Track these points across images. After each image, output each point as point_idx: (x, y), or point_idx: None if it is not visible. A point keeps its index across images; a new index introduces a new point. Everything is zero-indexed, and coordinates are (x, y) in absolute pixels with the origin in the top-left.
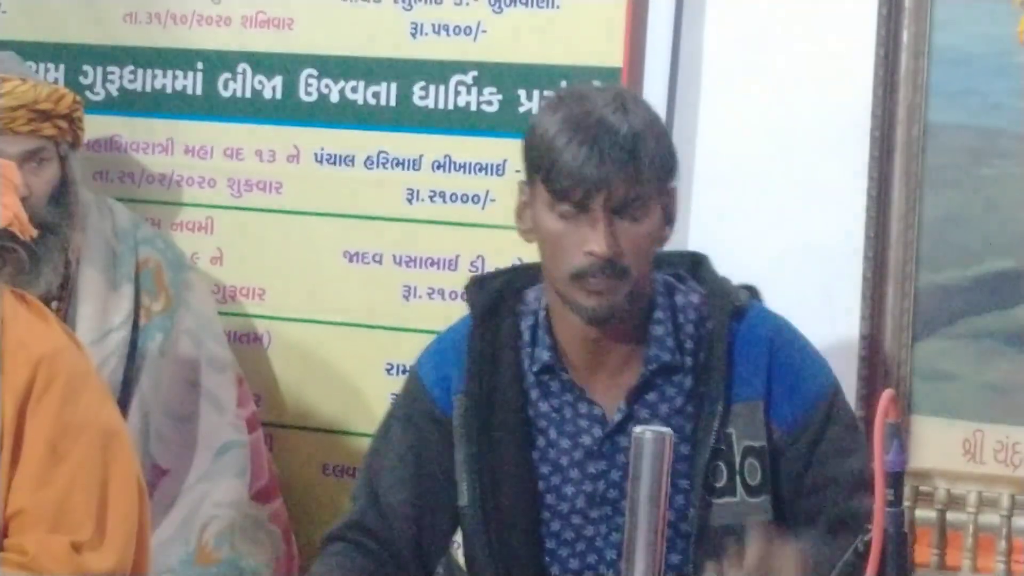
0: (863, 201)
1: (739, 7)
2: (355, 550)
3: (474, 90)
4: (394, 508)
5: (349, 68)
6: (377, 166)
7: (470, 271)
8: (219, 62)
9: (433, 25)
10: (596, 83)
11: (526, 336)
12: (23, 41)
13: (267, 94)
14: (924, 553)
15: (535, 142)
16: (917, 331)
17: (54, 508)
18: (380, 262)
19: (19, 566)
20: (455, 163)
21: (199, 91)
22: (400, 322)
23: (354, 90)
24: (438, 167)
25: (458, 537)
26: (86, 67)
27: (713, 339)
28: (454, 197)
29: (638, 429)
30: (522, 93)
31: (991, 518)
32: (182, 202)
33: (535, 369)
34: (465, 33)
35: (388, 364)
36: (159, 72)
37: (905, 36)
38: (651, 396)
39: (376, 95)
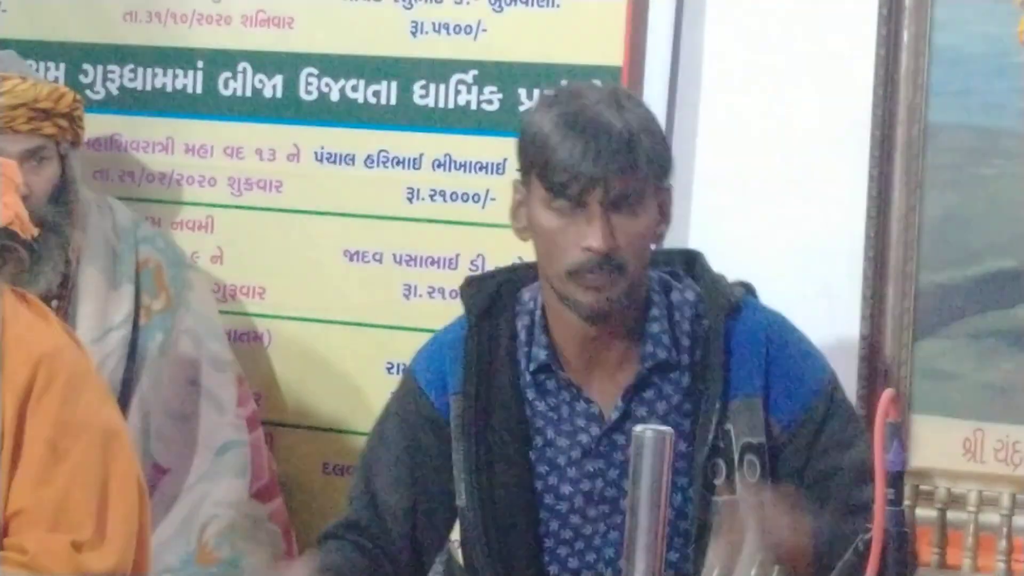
0: (863, 201)
1: (739, 6)
2: (352, 548)
3: (474, 89)
4: (391, 509)
5: (349, 67)
6: (377, 165)
7: (470, 270)
8: (219, 61)
9: (433, 24)
10: (597, 82)
11: (522, 336)
12: (23, 40)
13: (267, 93)
14: (925, 552)
15: (530, 139)
16: (917, 331)
17: (54, 507)
18: (380, 261)
19: (19, 565)
20: (455, 162)
21: (199, 90)
22: (400, 321)
23: (354, 89)
24: (438, 166)
25: (457, 535)
26: (86, 66)
27: (709, 336)
28: (454, 196)
29: (638, 428)
30: (522, 92)
31: (991, 517)
32: (182, 201)
33: (532, 368)
34: (465, 32)
35: (388, 363)
36: (159, 71)
37: (905, 36)
38: (648, 394)
39: (376, 94)
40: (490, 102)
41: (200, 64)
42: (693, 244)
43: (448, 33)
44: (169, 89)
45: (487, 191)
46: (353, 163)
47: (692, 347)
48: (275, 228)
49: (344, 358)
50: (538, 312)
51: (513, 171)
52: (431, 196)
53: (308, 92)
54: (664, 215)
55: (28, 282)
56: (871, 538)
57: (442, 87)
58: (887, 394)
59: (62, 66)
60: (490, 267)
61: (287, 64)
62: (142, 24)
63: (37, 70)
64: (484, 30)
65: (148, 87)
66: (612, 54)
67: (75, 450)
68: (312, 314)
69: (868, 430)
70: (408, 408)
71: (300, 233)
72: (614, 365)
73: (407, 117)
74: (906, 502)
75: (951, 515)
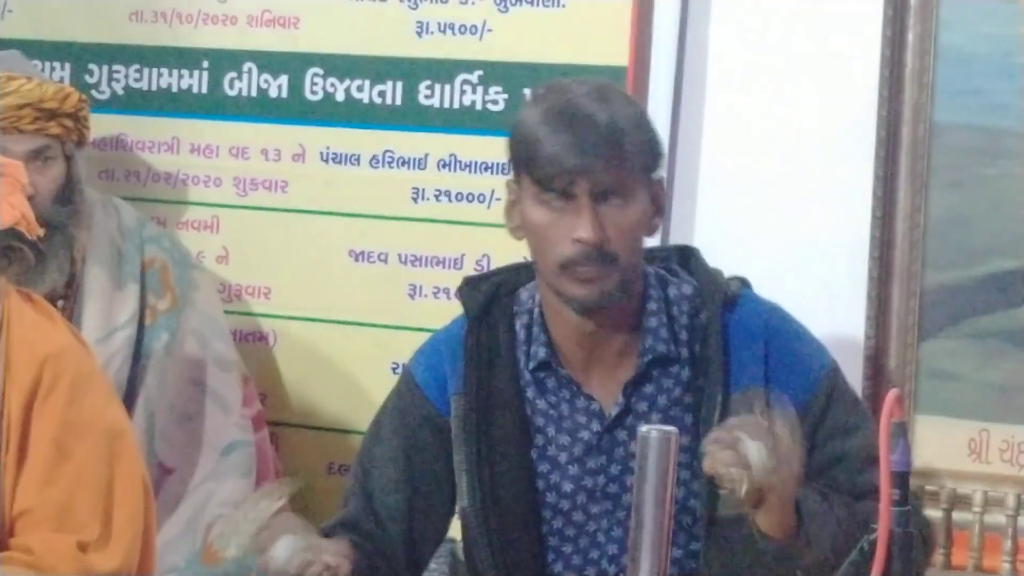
0: (868, 201)
1: (744, 6)
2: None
3: (480, 89)
4: (388, 509)
5: (355, 67)
6: (383, 165)
7: (475, 270)
8: (225, 61)
9: (439, 24)
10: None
11: (521, 335)
12: (29, 40)
13: (273, 93)
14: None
15: (518, 136)
16: (922, 331)
17: (60, 507)
18: (385, 261)
19: (25, 565)
20: (460, 162)
21: (205, 90)
22: (405, 321)
23: (360, 89)
24: (443, 166)
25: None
26: (92, 66)
27: (708, 329)
28: (459, 196)
29: (644, 428)
30: (528, 92)
31: (997, 517)
32: (188, 201)
33: (531, 366)
34: (471, 32)
35: (393, 363)
36: (165, 71)
37: (910, 36)
38: (648, 388)
39: (382, 94)
40: (495, 102)
41: (205, 64)
42: (698, 243)
43: (453, 33)
44: (174, 89)
45: (492, 191)
46: (358, 163)
47: (690, 340)
48: (280, 228)
49: (349, 358)
50: (536, 311)
51: None
52: (436, 196)
53: (313, 92)
54: (658, 207)
55: (33, 282)
56: (876, 538)
57: (447, 87)
58: (892, 394)
59: (67, 66)
60: (495, 267)
61: (292, 64)
62: (148, 24)
63: (42, 70)
64: (489, 30)
65: (153, 87)
66: (617, 54)
67: (80, 450)
68: (317, 314)
69: (874, 418)
70: (406, 408)
71: (305, 233)
72: (613, 361)
73: (412, 117)
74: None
75: (956, 515)
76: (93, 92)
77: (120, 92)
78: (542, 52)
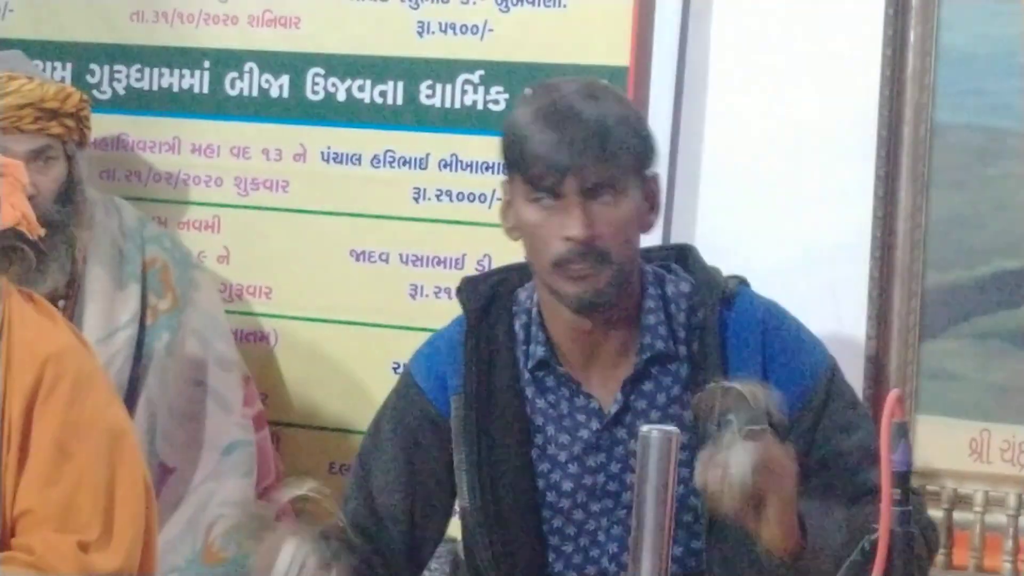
0: (869, 201)
1: (745, 6)
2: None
3: (481, 89)
4: (388, 509)
5: (356, 67)
6: (384, 165)
7: (477, 270)
8: (226, 61)
9: (440, 24)
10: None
11: (520, 335)
12: (30, 40)
13: (274, 93)
14: None
15: (509, 137)
16: (923, 331)
17: (61, 508)
18: (387, 261)
19: (26, 565)
20: (462, 162)
21: (206, 90)
22: (407, 321)
23: (361, 89)
24: (445, 166)
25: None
26: (93, 66)
27: (706, 326)
28: (461, 196)
29: (645, 428)
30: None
31: (998, 517)
32: (189, 201)
33: (530, 366)
34: (472, 32)
35: (395, 363)
36: (166, 71)
37: (912, 36)
38: (648, 386)
39: (383, 94)
40: (496, 102)
41: (207, 64)
42: (699, 243)
43: (455, 33)
44: (176, 89)
45: (493, 191)
46: (359, 163)
47: (689, 338)
48: (281, 228)
49: (350, 358)
50: (535, 310)
51: None
52: (437, 196)
53: (315, 92)
54: (653, 204)
55: (35, 282)
56: (877, 538)
57: (448, 87)
58: (893, 394)
59: (69, 66)
60: (496, 267)
61: (294, 64)
62: (149, 24)
63: (44, 70)
64: (491, 30)
65: (155, 87)
66: (618, 54)
67: (82, 450)
68: (318, 314)
69: (875, 419)
70: (406, 408)
71: (306, 233)
72: (612, 359)
73: (413, 117)
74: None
75: (957, 515)
76: (94, 92)
77: (121, 92)
78: (543, 52)
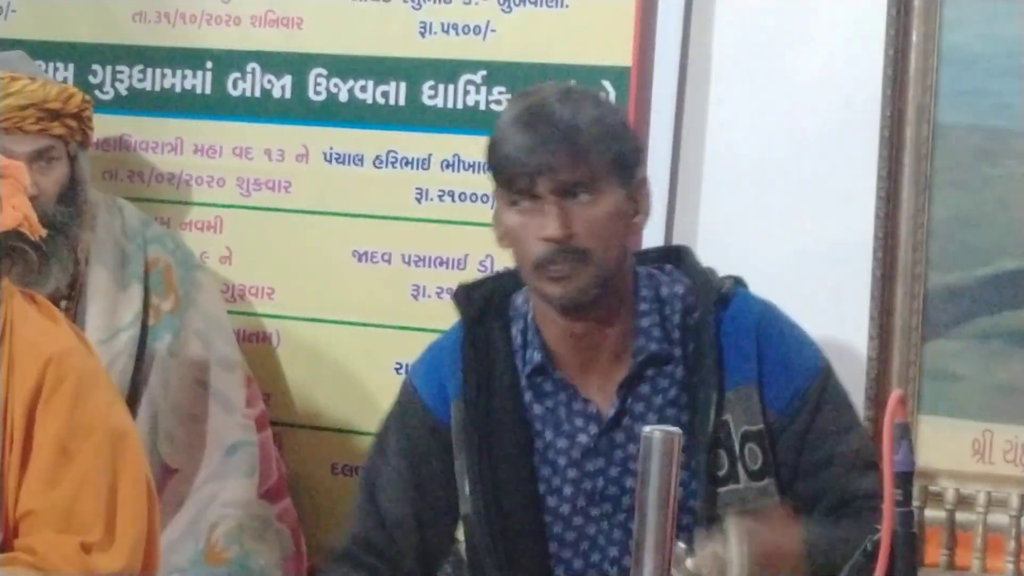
0: (872, 201)
1: (748, 7)
2: (363, 573)
3: (483, 89)
4: (397, 520)
5: (358, 67)
6: (386, 165)
7: (479, 270)
8: (228, 61)
9: (442, 24)
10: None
11: (517, 340)
12: (32, 40)
13: (276, 93)
14: (934, 553)
15: (489, 142)
16: (926, 331)
17: (64, 509)
18: (389, 261)
19: (29, 566)
20: (464, 162)
21: (208, 90)
22: (409, 321)
23: (363, 89)
24: (447, 166)
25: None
26: (95, 66)
27: (701, 328)
28: (463, 196)
29: (647, 429)
30: None
31: (1000, 518)
32: (191, 201)
33: (527, 371)
34: (474, 32)
35: (397, 363)
36: (168, 71)
37: (914, 36)
38: (644, 389)
39: (385, 94)
40: (499, 102)
41: (209, 64)
42: (701, 243)
43: (457, 33)
44: (178, 89)
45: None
46: (362, 163)
47: (684, 340)
48: (284, 228)
49: (353, 358)
50: (531, 315)
51: None
52: (440, 196)
53: (317, 92)
54: (641, 208)
55: (37, 283)
56: (879, 539)
57: (451, 87)
58: (895, 395)
59: (71, 66)
60: (499, 268)
61: (296, 64)
62: (151, 24)
63: (46, 70)
64: (493, 30)
65: (157, 87)
66: (621, 54)
67: (84, 451)
68: (321, 314)
69: (878, 435)
70: (408, 418)
71: (309, 233)
72: (608, 363)
73: (416, 117)
74: (915, 503)
75: (960, 516)
76: (97, 92)
77: (124, 92)
78: (546, 52)
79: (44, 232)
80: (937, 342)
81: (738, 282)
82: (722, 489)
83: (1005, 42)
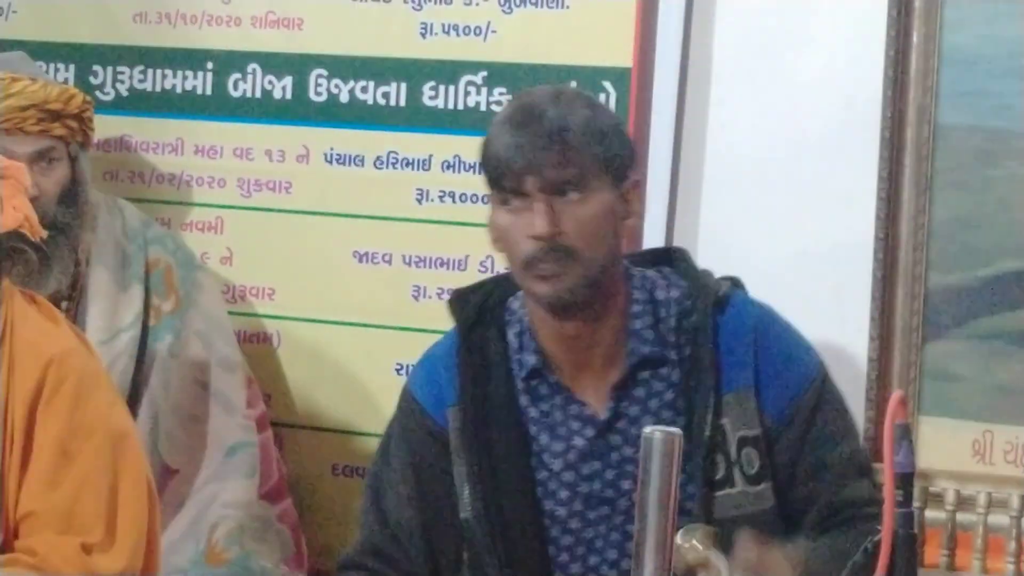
0: (873, 202)
1: (749, 7)
2: None
3: (484, 90)
4: (403, 527)
5: (359, 68)
6: (387, 166)
7: (480, 271)
8: (229, 62)
9: (443, 25)
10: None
11: (514, 343)
12: (33, 41)
13: (277, 94)
14: (934, 554)
15: (483, 142)
16: (927, 332)
17: (64, 510)
18: (390, 262)
19: (29, 567)
20: (465, 163)
21: (209, 91)
22: (410, 322)
23: (364, 90)
24: (448, 167)
25: None
26: (96, 67)
27: (698, 331)
28: (464, 197)
29: (648, 430)
30: None
31: (1001, 519)
32: (192, 202)
33: (523, 375)
34: (475, 33)
35: (397, 364)
36: (169, 72)
37: (915, 37)
38: (639, 392)
39: (386, 95)
40: (499, 103)
41: (210, 65)
42: (702, 245)
43: (457, 34)
44: (179, 90)
45: None
46: (362, 164)
47: (680, 343)
48: (284, 229)
49: (353, 359)
50: (527, 319)
51: None
52: (440, 197)
53: (318, 93)
54: (632, 208)
55: (38, 284)
56: (879, 540)
57: (451, 88)
58: (896, 395)
59: (72, 67)
60: (500, 268)
61: (297, 65)
62: (152, 25)
63: (47, 71)
64: (493, 31)
65: (158, 88)
66: (621, 55)
67: (85, 452)
68: (321, 315)
69: (879, 420)
70: (409, 425)
71: (309, 234)
72: (602, 365)
73: (416, 118)
74: (915, 504)
75: (960, 517)
76: (97, 93)
77: (124, 93)
78: (546, 53)
79: (45, 233)
80: (937, 343)
81: (735, 283)
82: (719, 493)
83: (1006, 43)
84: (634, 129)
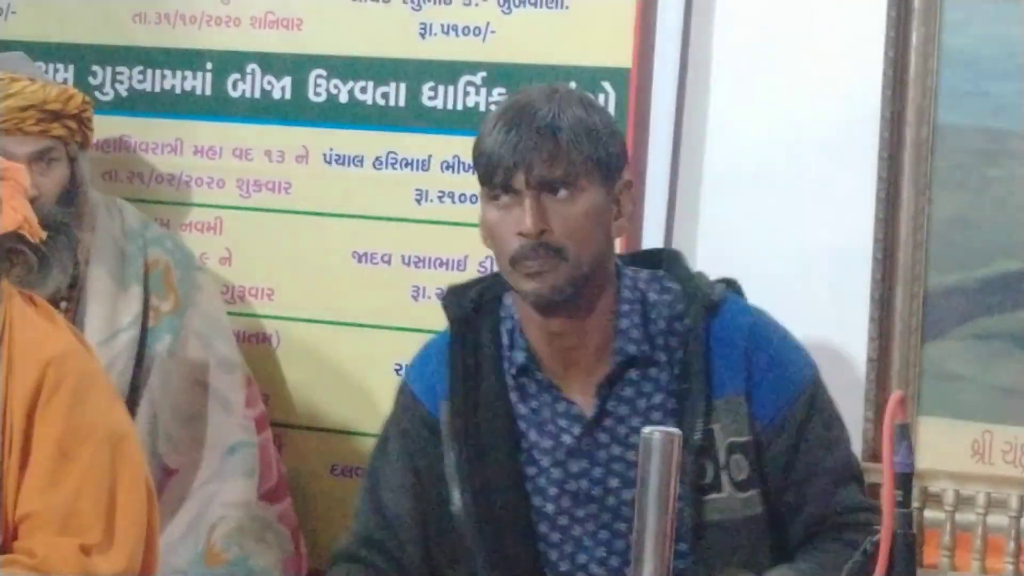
0: (872, 203)
1: (748, 8)
2: (365, 572)
3: (483, 90)
4: (399, 517)
5: (358, 68)
6: (386, 166)
7: (479, 271)
8: (228, 62)
9: (442, 25)
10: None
11: (505, 340)
12: (32, 41)
13: (276, 94)
14: (933, 554)
15: (475, 140)
16: (926, 332)
17: (63, 511)
18: (389, 262)
19: (28, 568)
20: (464, 164)
21: (208, 91)
22: (409, 322)
23: (363, 90)
24: (447, 168)
25: None
26: (95, 67)
27: (689, 335)
28: (463, 198)
29: (646, 430)
30: None
31: (1000, 519)
32: (191, 202)
33: (512, 372)
34: (474, 33)
35: (397, 364)
36: (168, 72)
37: (914, 37)
38: (627, 392)
39: (385, 95)
40: (499, 103)
41: (209, 66)
42: (701, 246)
43: (457, 35)
44: (178, 91)
45: None
46: (362, 164)
47: (671, 345)
48: (284, 229)
49: (353, 359)
50: (518, 316)
51: None
52: (439, 197)
53: (317, 94)
54: (624, 211)
55: (36, 284)
56: (879, 540)
57: (451, 89)
58: (895, 396)
59: (71, 67)
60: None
61: (296, 66)
62: (151, 25)
63: (46, 72)
64: (493, 32)
65: (157, 88)
66: (621, 56)
67: (83, 453)
68: (321, 315)
69: (878, 420)
70: (405, 418)
71: (308, 235)
72: (590, 364)
73: (416, 119)
74: (914, 504)
75: (959, 517)
76: (97, 93)
77: (124, 93)
78: (545, 53)
79: (44, 234)
80: (937, 343)
81: (731, 285)
82: (706, 498)
83: (1005, 43)
84: (633, 130)
